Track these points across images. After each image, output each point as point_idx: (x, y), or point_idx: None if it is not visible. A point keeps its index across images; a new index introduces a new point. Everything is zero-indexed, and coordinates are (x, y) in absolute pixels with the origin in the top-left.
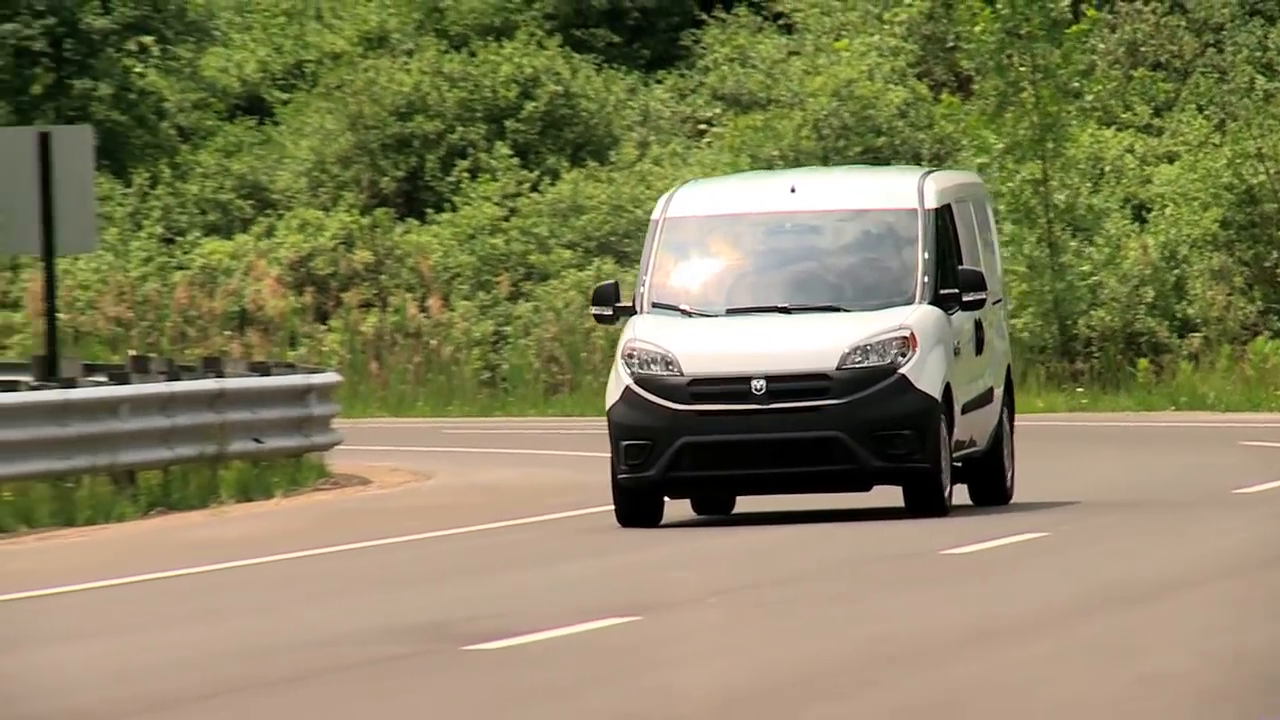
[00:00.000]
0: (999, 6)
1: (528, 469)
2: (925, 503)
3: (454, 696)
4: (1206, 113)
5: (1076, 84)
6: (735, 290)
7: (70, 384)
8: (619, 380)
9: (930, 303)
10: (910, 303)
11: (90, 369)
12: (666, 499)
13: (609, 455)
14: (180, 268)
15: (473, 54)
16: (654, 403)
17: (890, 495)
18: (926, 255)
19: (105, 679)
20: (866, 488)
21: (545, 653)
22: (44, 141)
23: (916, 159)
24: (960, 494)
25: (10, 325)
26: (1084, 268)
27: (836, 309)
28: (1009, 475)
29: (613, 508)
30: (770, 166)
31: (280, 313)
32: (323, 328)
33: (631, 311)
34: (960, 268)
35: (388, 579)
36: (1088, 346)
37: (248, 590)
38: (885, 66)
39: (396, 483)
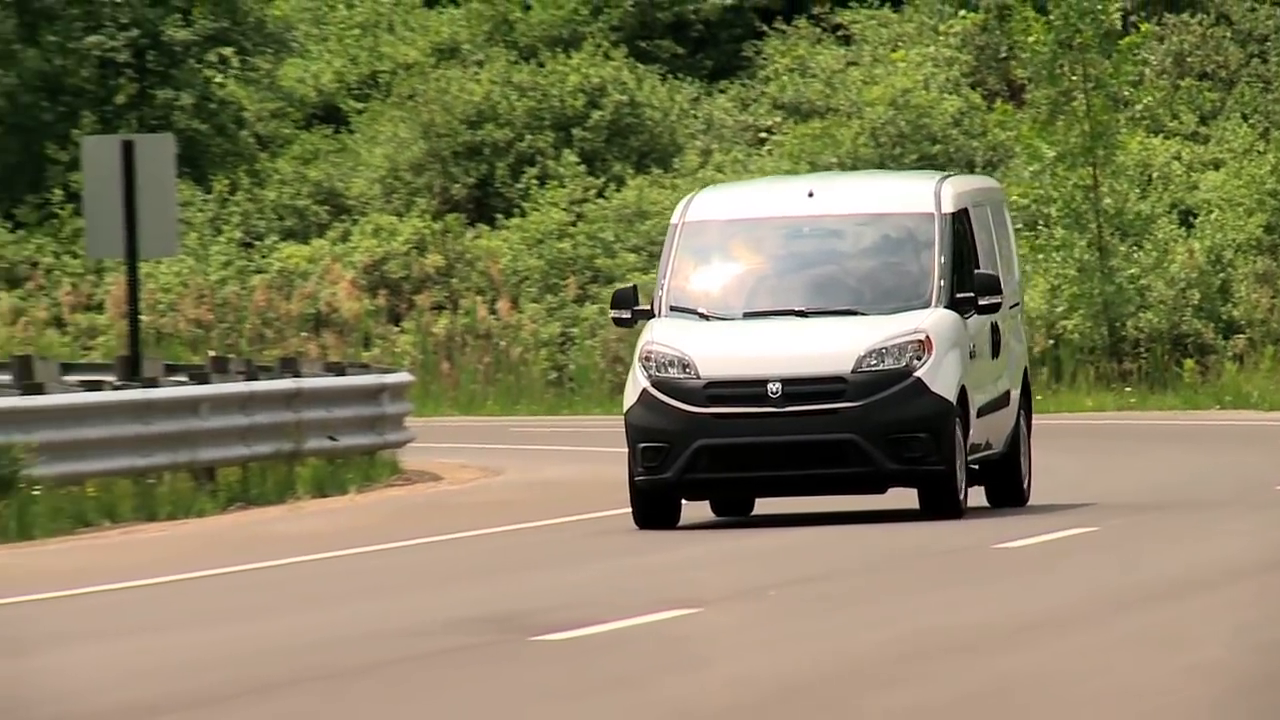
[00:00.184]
0: (1053, 18)
1: (593, 466)
2: (940, 505)
3: (521, 686)
4: (1251, 121)
5: (1126, 94)
6: (753, 294)
7: (152, 384)
8: (636, 383)
9: (946, 306)
10: (926, 306)
11: (171, 369)
12: (684, 501)
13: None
14: (258, 271)
15: (541, 65)
16: (671, 405)
17: (906, 497)
18: (943, 259)
19: (187, 669)
20: (882, 490)
21: (610, 643)
22: (128, 149)
23: (970, 166)
24: (977, 496)
25: (95, 327)
26: (1132, 271)
27: (853, 313)
28: (1026, 478)
29: (629, 510)
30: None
31: (355, 315)
32: (396, 329)
33: (650, 315)
34: (976, 272)
35: (457, 572)
36: (1136, 347)
37: (323, 583)
38: (940, 76)
39: (466, 479)
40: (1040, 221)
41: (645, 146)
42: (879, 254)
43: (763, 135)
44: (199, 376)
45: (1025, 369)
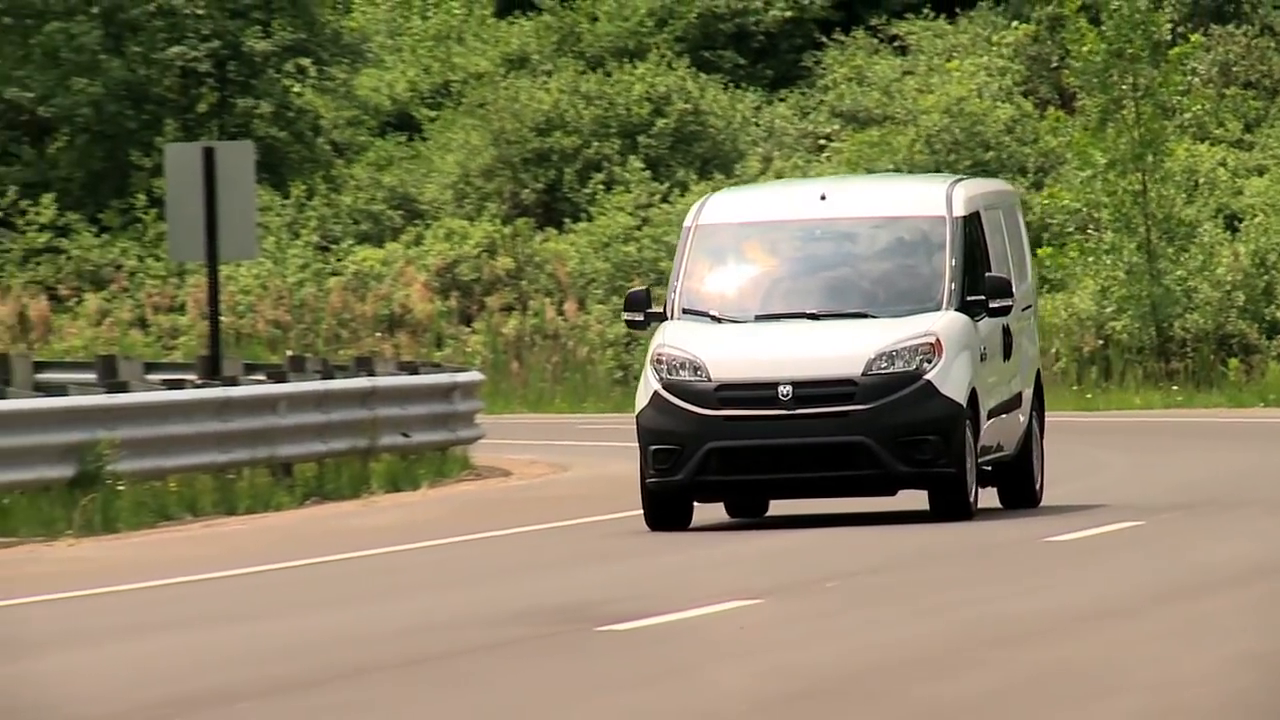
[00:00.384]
0: (1105, 29)
1: None
2: (950, 507)
3: (587, 675)
4: None
5: (1175, 102)
6: (765, 296)
7: (232, 382)
8: (648, 385)
9: (958, 309)
10: (937, 309)
11: (250, 368)
12: (696, 503)
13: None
14: (334, 274)
15: (608, 74)
16: (682, 408)
17: (917, 499)
18: (954, 262)
19: (268, 657)
20: (892, 492)
21: (674, 633)
22: (209, 156)
23: (1022, 172)
24: (990, 498)
25: (176, 327)
26: (1179, 274)
27: (864, 315)
28: (1038, 479)
29: (641, 512)
30: None
31: (427, 316)
32: (467, 330)
33: (663, 317)
34: (987, 275)
35: (526, 564)
36: (1183, 347)
37: (396, 575)
38: (993, 85)
39: (535, 474)
40: (1090, 225)
41: (708, 153)
42: (891, 257)
43: (822, 142)
44: (277, 375)
45: (1038, 371)
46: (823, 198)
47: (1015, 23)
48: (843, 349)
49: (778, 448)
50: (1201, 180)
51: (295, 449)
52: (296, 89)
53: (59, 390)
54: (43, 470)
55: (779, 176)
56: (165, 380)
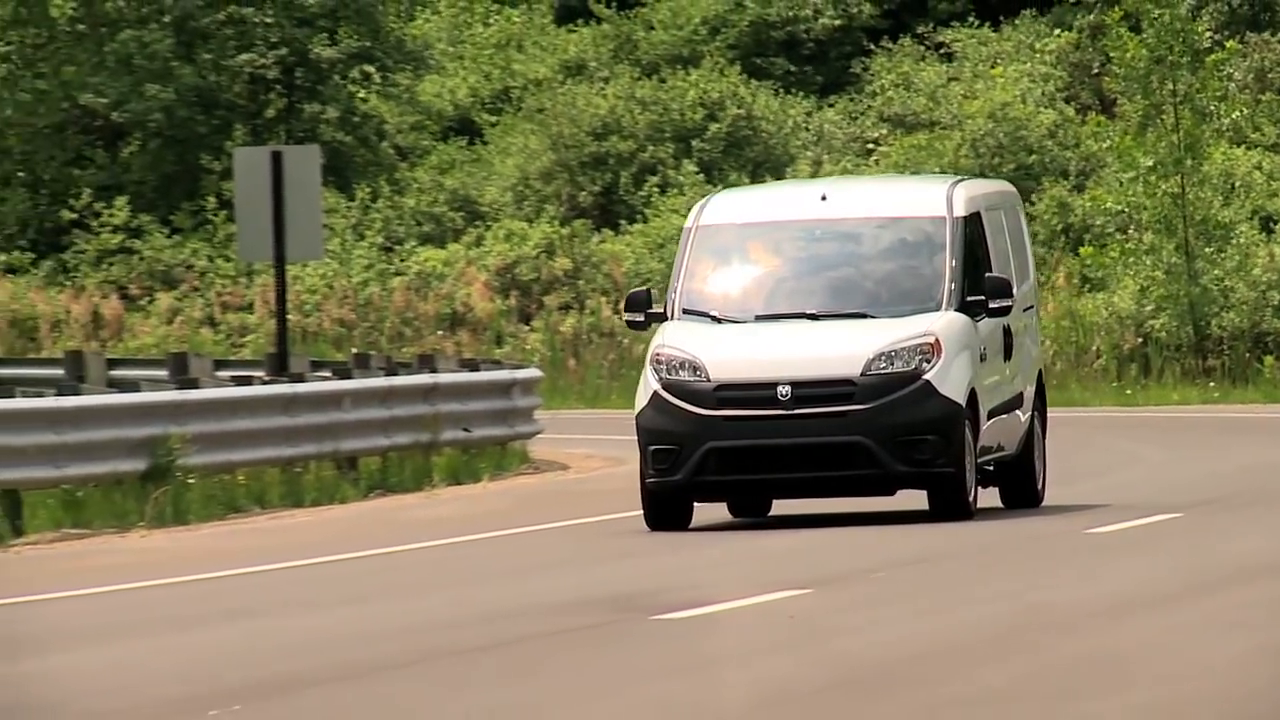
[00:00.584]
0: (1146, 37)
1: None
2: (949, 507)
3: (643, 661)
4: None
5: (1212, 108)
6: (765, 297)
7: (299, 379)
8: (647, 385)
9: (957, 309)
10: (937, 309)
11: (317, 365)
12: (696, 503)
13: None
14: (398, 274)
15: (662, 80)
16: (681, 408)
17: (917, 499)
18: (954, 262)
19: (333, 644)
20: (891, 492)
21: (726, 622)
22: (276, 160)
23: (1064, 175)
24: (992, 497)
25: (245, 326)
26: (1216, 274)
27: (864, 316)
28: (1040, 478)
29: (641, 512)
30: None
31: (488, 314)
32: (526, 328)
33: (663, 318)
34: (987, 275)
35: (582, 555)
36: (1219, 345)
37: (457, 565)
38: (1036, 91)
39: (592, 468)
40: (1131, 227)
41: (760, 157)
42: (891, 257)
43: (870, 146)
44: (342, 372)
45: (1040, 371)
46: (823, 198)
47: (1058, 30)
48: (842, 349)
49: (776, 448)
50: (1238, 183)
51: (360, 443)
52: (361, 95)
53: (131, 387)
54: (116, 464)
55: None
56: (234, 377)
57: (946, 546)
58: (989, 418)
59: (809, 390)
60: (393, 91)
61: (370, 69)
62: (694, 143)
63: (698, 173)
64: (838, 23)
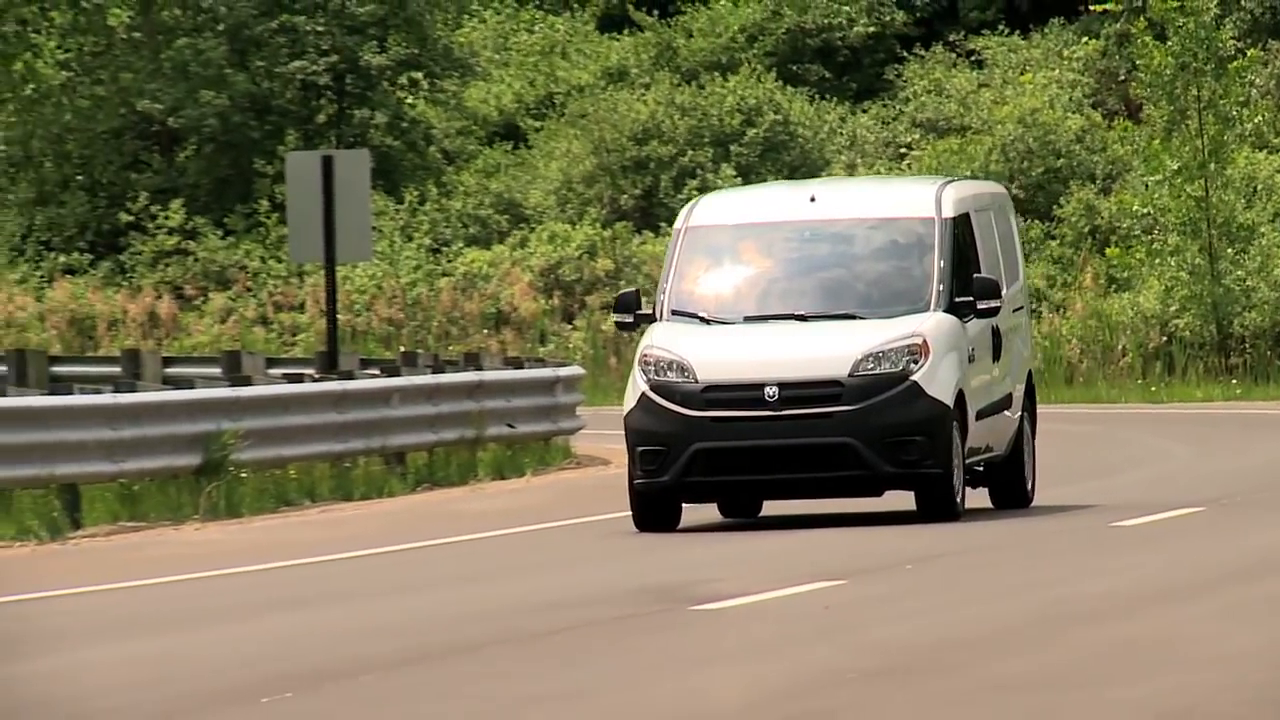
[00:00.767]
0: (1171, 44)
1: None
2: (937, 508)
3: (683, 649)
4: None
5: (1236, 113)
6: (753, 298)
7: (348, 376)
8: (635, 386)
9: (946, 310)
10: (926, 310)
11: (365, 363)
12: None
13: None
14: (444, 274)
15: (701, 87)
16: (669, 409)
17: (904, 500)
18: (942, 263)
19: (383, 633)
20: (878, 493)
21: (765, 611)
22: (327, 164)
23: (1091, 178)
24: (981, 498)
25: (296, 325)
26: (1239, 274)
27: (852, 316)
28: (1030, 479)
29: (630, 513)
30: None
31: (531, 314)
32: (568, 327)
33: (652, 319)
34: (975, 276)
35: (624, 547)
36: (1242, 343)
37: (502, 557)
38: (1064, 97)
39: None
40: (1156, 229)
41: (796, 161)
42: (879, 258)
43: (903, 151)
44: (390, 370)
45: (1030, 372)
46: (812, 199)
47: (1085, 38)
48: (829, 350)
49: (764, 449)
50: (1260, 187)
51: (407, 439)
52: (410, 101)
53: (186, 384)
54: (171, 459)
55: None
56: (286, 374)
57: (975, 540)
58: (977, 418)
59: (796, 391)
60: (440, 97)
61: (418, 76)
62: (732, 147)
63: (736, 176)
64: (872, 30)
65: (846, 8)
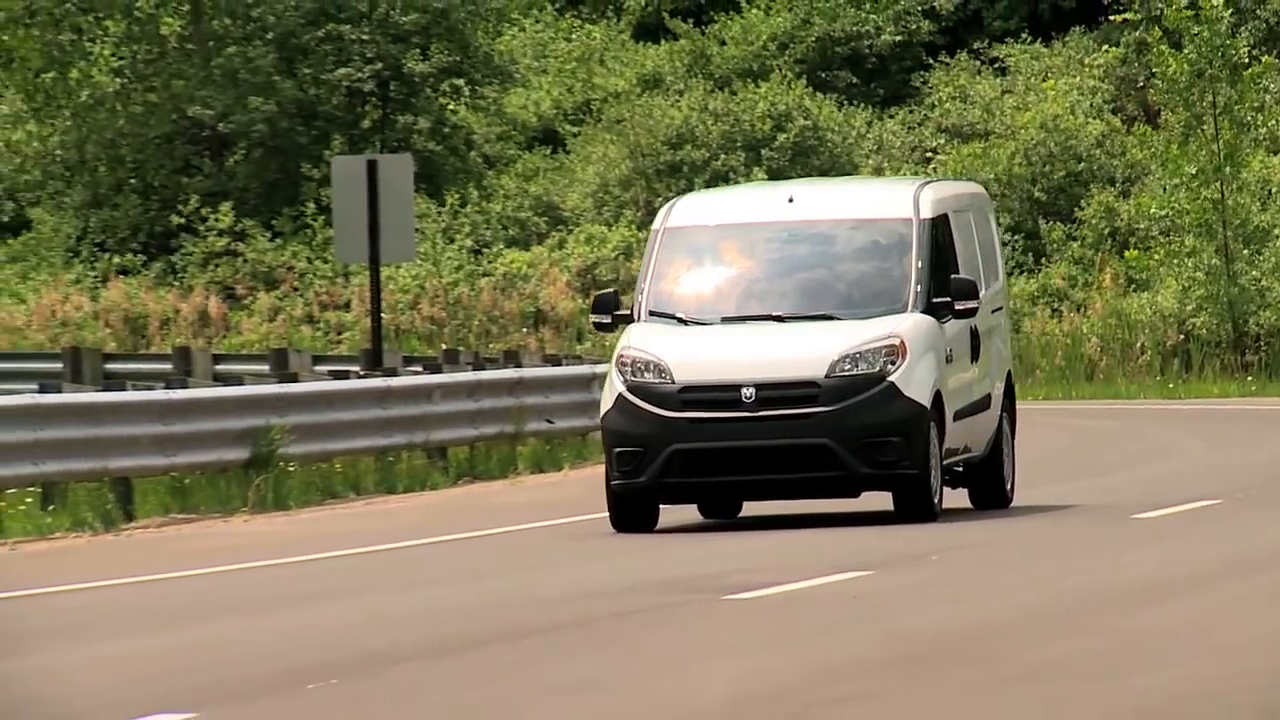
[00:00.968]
0: (1187, 52)
1: None
2: (914, 509)
3: (715, 637)
4: None
5: (1251, 119)
6: (731, 299)
7: (392, 373)
8: (613, 388)
9: (923, 311)
10: (903, 311)
11: (408, 360)
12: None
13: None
14: (485, 275)
15: (734, 93)
16: (646, 410)
17: (881, 500)
18: (920, 264)
19: (426, 621)
20: (855, 494)
21: (793, 601)
22: (372, 168)
23: (1111, 182)
24: (961, 499)
25: (342, 323)
26: (1254, 275)
27: (830, 317)
28: (1009, 480)
29: (607, 514)
30: (987, 189)
31: (569, 313)
32: None
33: (630, 320)
34: (953, 276)
35: (655, 539)
36: (1256, 341)
37: (540, 548)
38: (1085, 103)
39: None
40: (1173, 231)
41: (825, 165)
42: (857, 259)
43: (928, 155)
44: (432, 367)
45: (1009, 372)
46: (790, 200)
47: (1105, 46)
48: (806, 351)
49: (740, 450)
50: (1275, 189)
51: (449, 434)
52: (452, 107)
53: (235, 380)
54: (220, 453)
55: None
56: (331, 371)
57: (998, 533)
58: (955, 419)
59: (773, 392)
60: (481, 104)
61: (460, 83)
62: (763, 152)
63: (767, 180)
64: (898, 39)
65: (874, 16)
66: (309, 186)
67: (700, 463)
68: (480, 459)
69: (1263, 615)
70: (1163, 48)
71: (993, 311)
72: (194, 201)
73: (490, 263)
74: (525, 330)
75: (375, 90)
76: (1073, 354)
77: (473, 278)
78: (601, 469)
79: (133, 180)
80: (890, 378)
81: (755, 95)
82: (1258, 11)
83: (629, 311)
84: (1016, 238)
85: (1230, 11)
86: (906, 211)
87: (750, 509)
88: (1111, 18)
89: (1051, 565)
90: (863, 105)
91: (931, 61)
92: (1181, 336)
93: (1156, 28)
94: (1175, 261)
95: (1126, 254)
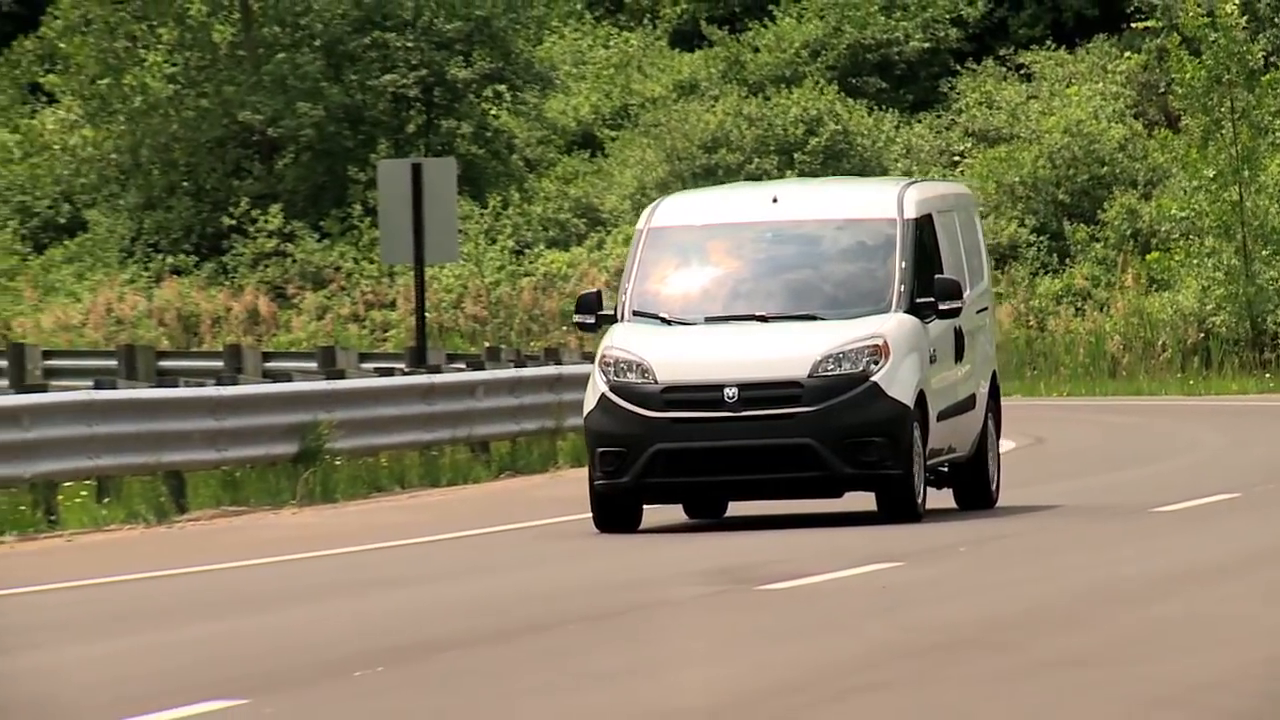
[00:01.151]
0: (1205, 59)
1: None
2: (897, 509)
3: (750, 626)
4: None
5: (1268, 123)
6: (715, 299)
7: (436, 370)
8: (595, 388)
9: (907, 311)
10: (887, 311)
11: (452, 358)
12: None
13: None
14: (526, 274)
15: (767, 99)
16: (628, 410)
17: (865, 500)
18: (904, 264)
19: (469, 611)
20: (838, 494)
21: (826, 592)
22: (416, 171)
23: (1133, 185)
24: (945, 499)
25: (387, 322)
26: (1272, 274)
27: (813, 318)
28: (994, 479)
29: (590, 515)
30: (1012, 191)
31: None
32: None
33: (614, 319)
34: (937, 277)
35: (690, 530)
36: (1274, 340)
37: (579, 540)
38: (1108, 108)
39: None
40: (1193, 232)
41: (855, 169)
42: (841, 259)
43: (956, 159)
44: (475, 364)
45: (994, 372)
46: (774, 200)
47: (1127, 53)
48: (789, 351)
49: (723, 450)
50: None
51: (491, 429)
52: (494, 112)
53: (284, 377)
54: (270, 447)
55: None
56: (377, 368)
57: (1024, 525)
58: (939, 419)
59: (756, 392)
60: (522, 109)
61: (502, 88)
62: (796, 155)
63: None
64: (927, 46)
65: (904, 24)
66: (355, 189)
67: (683, 463)
68: (522, 453)
69: (1273, 607)
70: (1181, 54)
71: (977, 312)
72: (244, 204)
73: (531, 263)
74: (565, 328)
75: (420, 96)
76: (1096, 351)
77: (514, 277)
78: None
79: (185, 183)
80: (873, 378)
81: (788, 100)
82: (1275, 19)
83: (612, 311)
84: (1041, 239)
85: (1246, 19)
86: (891, 212)
87: (735, 509)
88: (1133, 25)
89: (1076, 557)
90: (892, 110)
91: (959, 68)
92: (1201, 335)
93: (1176, 35)
94: (1195, 262)
95: (1148, 258)
